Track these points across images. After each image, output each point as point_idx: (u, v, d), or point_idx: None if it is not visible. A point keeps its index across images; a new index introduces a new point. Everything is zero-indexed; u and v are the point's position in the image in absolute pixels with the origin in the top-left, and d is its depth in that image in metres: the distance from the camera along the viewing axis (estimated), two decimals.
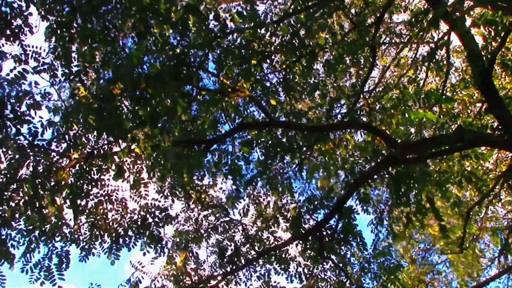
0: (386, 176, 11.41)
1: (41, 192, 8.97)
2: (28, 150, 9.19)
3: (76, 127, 9.16)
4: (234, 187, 11.91)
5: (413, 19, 10.35)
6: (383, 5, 11.82)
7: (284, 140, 11.69)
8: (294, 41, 10.72)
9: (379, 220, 12.04)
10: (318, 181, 12.92)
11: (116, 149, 9.93)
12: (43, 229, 9.39)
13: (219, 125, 11.21)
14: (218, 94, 10.51)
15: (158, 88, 8.77)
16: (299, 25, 10.92)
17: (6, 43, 9.17)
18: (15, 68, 8.81)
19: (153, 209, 10.68)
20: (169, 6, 8.69)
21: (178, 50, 9.29)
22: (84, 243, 10.15)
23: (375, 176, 11.56)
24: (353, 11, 12.90)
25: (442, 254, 17.63)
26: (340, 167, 12.50)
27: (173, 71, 9.07)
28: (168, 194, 11.80)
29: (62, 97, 10.04)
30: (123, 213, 10.52)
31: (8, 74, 8.77)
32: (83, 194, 9.61)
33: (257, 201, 12.34)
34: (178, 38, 9.44)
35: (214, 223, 11.98)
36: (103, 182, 10.16)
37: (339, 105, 12.47)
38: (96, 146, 9.79)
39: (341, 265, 11.82)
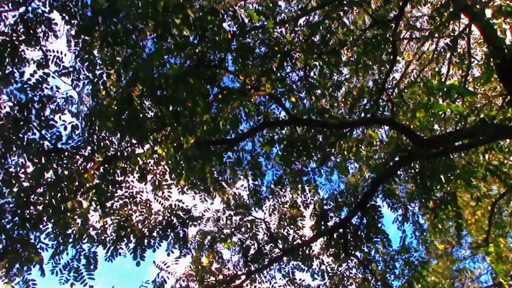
0: (411, 171, 11.32)
1: (67, 195, 9.07)
2: (53, 154, 9.30)
3: (99, 130, 9.23)
4: (255, 186, 11.89)
5: (433, 13, 10.25)
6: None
7: (306, 137, 11.61)
8: (313, 38, 10.68)
9: (404, 216, 11.94)
10: (342, 178, 12.88)
11: (139, 151, 10.01)
12: (70, 231, 9.49)
13: (240, 124, 11.20)
14: (239, 93, 10.50)
15: (178, 88, 8.78)
16: (318, 22, 10.89)
17: (28, 49, 9.27)
18: (35, 72, 8.92)
19: (177, 210, 10.70)
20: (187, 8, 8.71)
21: (197, 50, 9.31)
22: (110, 245, 10.22)
23: (399, 172, 11.46)
24: (373, 6, 12.77)
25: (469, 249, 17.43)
26: (364, 164, 12.43)
27: (193, 71, 9.10)
28: (192, 194, 11.83)
29: (84, 101, 10.12)
30: (147, 214, 10.58)
31: (29, 79, 8.89)
32: (108, 196, 9.66)
33: (280, 199, 12.30)
34: (197, 38, 9.45)
35: (238, 222, 11.96)
36: (127, 184, 10.24)
37: (361, 101, 12.33)
38: (119, 149, 9.85)
39: (365, 262, 11.78)
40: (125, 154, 9.90)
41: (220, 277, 11.41)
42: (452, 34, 13.32)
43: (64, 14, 9.27)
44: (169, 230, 10.61)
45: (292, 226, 11.94)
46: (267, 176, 11.88)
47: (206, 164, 10.22)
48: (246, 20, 10.01)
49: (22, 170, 9.28)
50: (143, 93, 8.84)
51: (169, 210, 10.72)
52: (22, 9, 9.32)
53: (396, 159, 11.44)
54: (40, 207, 9.41)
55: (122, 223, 10.28)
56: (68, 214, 9.05)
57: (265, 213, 12.24)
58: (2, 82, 8.92)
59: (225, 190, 11.83)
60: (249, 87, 10.38)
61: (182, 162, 10.01)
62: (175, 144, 9.44)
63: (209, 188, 11.54)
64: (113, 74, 9.53)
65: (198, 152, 9.73)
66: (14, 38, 9.24)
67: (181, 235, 10.76)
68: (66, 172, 9.23)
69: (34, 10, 9.23)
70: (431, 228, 12.47)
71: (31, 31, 9.27)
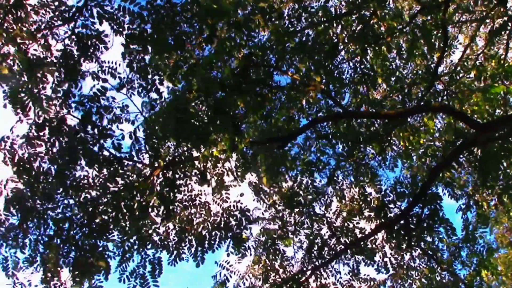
0: (471, 157, 11.06)
1: (132, 203, 9.31)
2: (115, 163, 9.54)
3: (157, 136, 9.40)
4: (313, 182, 11.85)
5: None
6: None
7: (362, 129, 11.51)
8: (364, 30, 10.57)
9: (467, 204, 11.67)
10: (402, 168, 12.71)
11: (195, 154, 10.14)
12: (136, 238, 9.72)
13: (293, 121, 11.18)
14: (291, 90, 10.49)
15: (231, 91, 8.87)
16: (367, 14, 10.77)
17: (84, 62, 9.53)
18: (94, 86, 9.19)
19: (235, 211, 10.78)
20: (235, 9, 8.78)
21: (245, 51, 9.35)
22: (173, 249, 10.40)
23: (460, 159, 11.23)
24: None
25: None
26: (423, 153, 12.22)
27: (242, 72, 9.16)
28: (252, 193, 11.94)
29: (140, 109, 10.34)
30: (206, 217, 10.71)
31: (88, 92, 9.18)
32: (170, 201, 9.84)
33: (340, 193, 12.22)
34: (245, 39, 9.48)
35: (299, 219, 11.93)
36: (188, 188, 10.40)
37: (415, 89, 12.12)
38: (177, 153, 10.02)
39: (430, 252, 11.59)
40: (184, 158, 10.05)
41: (285, 274, 11.44)
42: (508, 13, 12.88)
43: (113, 24, 9.50)
44: (227, 231, 10.66)
45: (353, 220, 11.83)
46: (324, 171, 11.79)
47: (263, 164, 10.27)
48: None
49: (86, 181, 9.58)
50: (197, 97, 8.95)
51: (227, 212, 10.79)
52: (72, 24, 9.62)
53: (454, 146, 11.22)
54: (105, 216, 9.68)
55: (183, 226, 10.43)
56: (137, 220, 9.25)
57: (325, 209, 12.18)
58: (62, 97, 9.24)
59: (285, 189, 11.85)
60: (301, 84, 10.35)
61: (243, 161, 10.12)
62: (230, 146, 9.51)
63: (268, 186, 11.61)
64: (166, 80, 9.72)
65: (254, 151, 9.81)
66: (68, 52, 9.52)
67: (239, 236, 10.78)
68: (129, 180, 9.46)
69: (84, 24, 9.46)
70: (496, 216, 12.17)
71: (83, 44, 9.51)
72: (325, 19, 10.66)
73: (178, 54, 9.47)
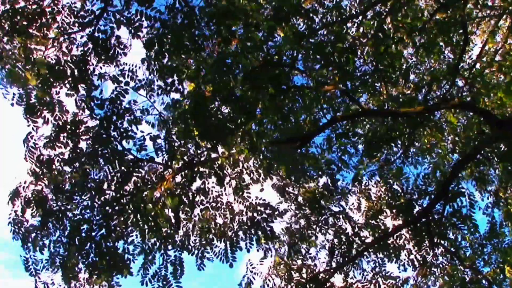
0: (495, 154, 10.95)
1: (150, 205, 9.34)
2: (133, 164, 9.60)
3: (177, 137, 9.44)
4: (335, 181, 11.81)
5: None
6: None
7: (383, 128, 11.43)
8: (381, 31, 10.50)
9: (494, 201, 11.55)
10: (424, 165, 12.62)
11: (214, 155, 10.17)
12: (156, 239, 9.75)
13: (313, 120, 11.15)
14: (309, 89, 10.47)
15: (251, 89, 8.87)
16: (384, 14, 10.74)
17: (104, 65, 9.62)
18: (116, 89, 9.26)
19: (259, 207, 10.75)
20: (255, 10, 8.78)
21: (265, 50, 9.33)
22: (196, 250, 10.41)
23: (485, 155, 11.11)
24: None
25: None
26: (445, 149, 12.12)
27: (260, 71, 9.15)
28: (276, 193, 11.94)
29: (160, 110, 10.40)
30: (230, 216, 10.69)
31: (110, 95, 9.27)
32: (189, 202, 9.87)
33: (365, 192, 12.15)
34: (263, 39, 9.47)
35: (322, 218, 11.85)
36: (206, 189, 10.41)
37: (435, 87, 12.00)
38: (195, 154, 10.04)
39: (452, 249, 11.47)
40: (202, 159, 10.07)
41: (308, 274, 11.38)
42: None
43: (130, 28, 9.56)
44: (254, 228, 10.63)
45: (378, 219, 11.73)
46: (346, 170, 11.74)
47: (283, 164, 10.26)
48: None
49: (106, 182, 9.64)
50: (214, 95, 8.97)
51: (251, 208, 10.76)
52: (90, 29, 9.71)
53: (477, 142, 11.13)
54: (122, 218, 9.74)
55: (207, 227, 10.43)
56: (157, 221, 9.27)
57: (348, 207, 12.12)
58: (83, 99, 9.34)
59: (306, 186, 11.81)
60: (319, 84, 10.31)
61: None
62: (249, 146, 9.52)
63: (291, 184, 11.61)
64: (185, 81, 9.77)
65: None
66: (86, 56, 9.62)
67: (268, 231, 10.71)
68: (147, 181, 9.51)
69: (101, 29, 9.54)
70: None
71: (101, 49, 9.58)
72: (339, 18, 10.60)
73: (197, 55, 9.54)
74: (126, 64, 9.90)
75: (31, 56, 9.25)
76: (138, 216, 9.15)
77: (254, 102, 9.13)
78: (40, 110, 9.22)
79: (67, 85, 9.49)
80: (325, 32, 10.90)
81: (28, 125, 9.26)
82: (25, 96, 9.12)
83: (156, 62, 9.71)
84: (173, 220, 9.67)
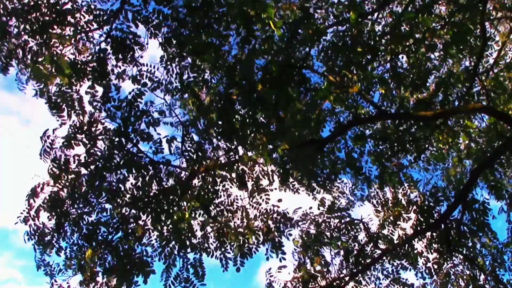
0: None
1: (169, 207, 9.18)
2: (151, 167, 9.40)
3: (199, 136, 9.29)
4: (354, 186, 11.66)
5: None
6: None
7: (399, 132, 11.28)
8: (399, 28, 10.36)
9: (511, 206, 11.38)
10: (441, 170, 12.45)
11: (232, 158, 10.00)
12: (175, 242, 9.58)
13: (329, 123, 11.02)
14: (327, 91, 10.32)
15: (272, 90, 8.73)
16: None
17: (123, 65, 9.47)
18: (133, 90, 9.11)
19: (274, 214, 10.58)
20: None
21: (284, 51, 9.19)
22: (219, 254, 10.25)
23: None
24: None
25: None
26: (463, 154, 11.95)
27: (281, 72, 9.00)
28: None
29: (176, 112, 10.24)
30: (245, 220, 10.52)
31: (126, 97, 9.09)
32: (208, 204, 9.69)
33: (383, 198, 11.95)
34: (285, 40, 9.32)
35: (337, 224, 11.65)
36: (226, 192, 10.26)
37: (453, 89, 11.83)
38: (215, 157, 9.86)
39: (471, 257, 11.27)
40: (223, 162, 9.90)
41: (324, 281, 11.16)
42: None
43: (148, 27, 9.39)
44: (266, 235, 10.48)
45: (392, 225, 11.53)
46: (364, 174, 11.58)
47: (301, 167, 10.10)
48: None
49: (123, 185, 9.45)
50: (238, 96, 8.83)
51: (266, 215, 10.59)
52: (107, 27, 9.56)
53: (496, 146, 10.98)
54: (141, 221, 9.57)
55: (222, 230, 10.26)
56: (177, 224, 9.12)
57: (363, 215, 11.96)
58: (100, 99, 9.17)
59: (327, 190, 11.64)
60: (337, 84, 10.16)
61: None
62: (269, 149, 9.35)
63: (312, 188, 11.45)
64: (202, 82, 9.66)
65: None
66: (103, 55, 9.48)
67: (278, 240, 10.57)
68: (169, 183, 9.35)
69: (119, 28, 9.38)
70: None
71: (119, 48, 9.44)
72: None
73: (216, 55, 9.39)
74: (144, 65, 9.74)
75: (53, 52, 9.09)
76: (158, 219, 8.98)
77: (275, 103, 8.99)
78: (61, 106, 9.14)
79: (88, 83, 9.42)
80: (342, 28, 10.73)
81: (57, 120, 9.20)
82: (46, 92, 9.01)
83: (173, 63, 9.58)
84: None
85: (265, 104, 8.39)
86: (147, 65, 9.69)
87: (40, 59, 9.00)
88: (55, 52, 9.10)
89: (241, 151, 9.56)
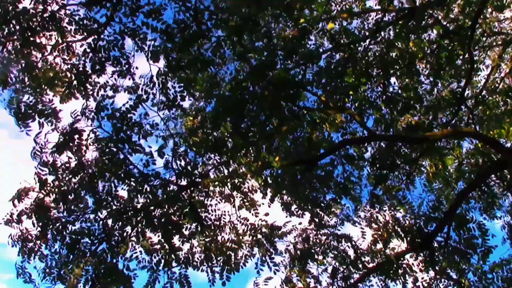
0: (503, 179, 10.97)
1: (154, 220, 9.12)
2: (140, 180, 9.35)
3: (191, 150, 9.28)
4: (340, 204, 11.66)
5: None
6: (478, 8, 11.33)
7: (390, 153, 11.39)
8: (390, 54, 10.54)
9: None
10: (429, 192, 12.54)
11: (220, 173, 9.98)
12: (161, 256, 9.48)
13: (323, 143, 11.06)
14: (320, 112, 10.43)
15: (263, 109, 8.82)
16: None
17: (119, 77, 9.48)
18: (127, 102, 9.10)
19: (263, 228, 10.53)
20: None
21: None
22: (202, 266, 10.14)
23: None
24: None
25: None
26: (451, 176, 12.08)
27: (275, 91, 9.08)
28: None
29: (168, 126, 10.26)
30: (233, 235, 10.45)
31: (120, 108, 9.10)
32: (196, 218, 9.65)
33: (371, 217, 11.96)
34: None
35: (324, 240, 11.62)
36: (212, 207, 10.22)
37: (441, 114, 12.02)
38: (204, 172, 9.85)
39: (455, 276, 11.28)
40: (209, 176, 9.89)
41: None
42: None
43: (136, 39, 9.42)
44: (254, 248, 10.42)
45: (383, 243, 11.51)
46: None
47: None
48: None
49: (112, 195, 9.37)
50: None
51: (254, 230, 10.53)
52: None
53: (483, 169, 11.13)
54: (125, 233, 9.47)
55: (209, 245, 10.17)
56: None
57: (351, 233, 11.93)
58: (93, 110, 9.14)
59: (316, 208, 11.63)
60: (329, 107, 10.27)
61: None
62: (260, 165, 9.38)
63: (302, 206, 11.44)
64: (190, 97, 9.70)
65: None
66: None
67: (269, 252, 10.50)
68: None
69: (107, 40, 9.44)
70: None
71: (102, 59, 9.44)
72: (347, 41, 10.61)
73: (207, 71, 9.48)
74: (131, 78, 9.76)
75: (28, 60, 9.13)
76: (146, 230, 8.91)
77: (267, 121, 9.07)
78: (31, 116, 9.05)
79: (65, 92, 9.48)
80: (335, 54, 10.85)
81: (21, 131, 9.12)
82: (16, 101, 8.98)
83: (160, 78, 9.58)
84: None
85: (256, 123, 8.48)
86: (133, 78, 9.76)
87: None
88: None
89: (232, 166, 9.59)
